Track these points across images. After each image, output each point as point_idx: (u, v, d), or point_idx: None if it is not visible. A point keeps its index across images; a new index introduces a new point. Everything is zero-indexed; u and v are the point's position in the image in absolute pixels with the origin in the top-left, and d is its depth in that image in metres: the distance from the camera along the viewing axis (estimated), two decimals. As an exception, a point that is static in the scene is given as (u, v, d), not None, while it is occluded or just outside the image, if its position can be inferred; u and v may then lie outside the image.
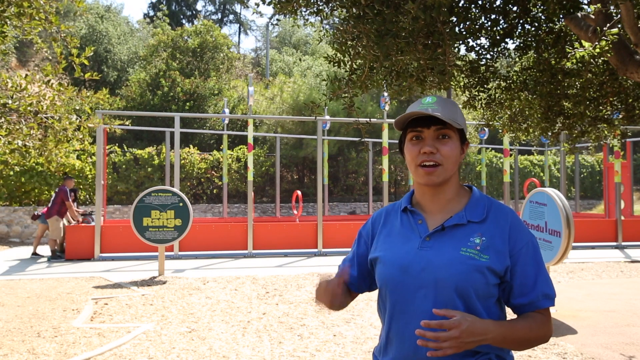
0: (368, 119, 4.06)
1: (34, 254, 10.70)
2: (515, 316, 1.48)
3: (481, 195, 1.53)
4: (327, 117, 12.97)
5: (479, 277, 1.40)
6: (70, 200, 10.38)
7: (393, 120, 12.03)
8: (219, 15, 46.02)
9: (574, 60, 2.63)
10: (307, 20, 3.62)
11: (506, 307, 1.51)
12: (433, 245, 1.45)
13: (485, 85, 4.04)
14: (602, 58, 3.54)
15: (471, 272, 1.39)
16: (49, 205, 10.35)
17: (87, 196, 15.51)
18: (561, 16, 3.51)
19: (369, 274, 1.62)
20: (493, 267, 1.41)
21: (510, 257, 1.44)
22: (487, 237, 1.44)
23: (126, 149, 17.06)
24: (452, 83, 3.87)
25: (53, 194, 10.45)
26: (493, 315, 1.44)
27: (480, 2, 3.61)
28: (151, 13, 38.54)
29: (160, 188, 8.42)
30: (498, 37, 3.70)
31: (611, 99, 4.07)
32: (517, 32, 3.82)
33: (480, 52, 3.73)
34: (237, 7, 46.32)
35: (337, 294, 1.54)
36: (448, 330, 1.29)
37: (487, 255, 1.42)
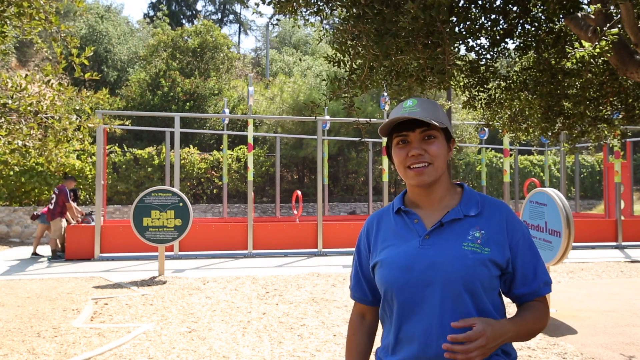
0: (368, 119, 4.06)
1: (34, 254, 10.70)
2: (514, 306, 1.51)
3: (473, 192, 1.56)
4: (327, 117, 12.97)
5: (483, 270, 1.42)
6: (70, 201, 10.40)
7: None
8: (219, 15, 46.03)
9: (574, 60, 2.63)
10: (307, 20, 3.62)
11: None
12: (434, 243, 1.46)
13: (485, 85, 4.03)
14: (602, 58, 3.53)
15: (476, 266, 1.41)
16: (51, 206, 10.34)
17: (87, 196, 15.51)
18: (561, 16, 3.51)
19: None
20: (495, 260, 1.43)
21: (510, 249, 1.47)
22: (485, 231, 1.46)
23: (126, 149, 17.06)
24: (452, 83, 3.87)
25: (53, 194, 10.46)
26: (497, 307, 1.46)
27: (480, 2, 3.61)
28: (151, 13, 38.55)
29: (160, 188, 8.42)
30: (498, 37, 3.70)
31: (611, 99, 4.07)
32: (517, 32, 3.82)
33: (480, 52, 3.73)
34: (237, 7, 46.36)
35: None
36: (474, 341, 1.31)
37: (488, 248, 1.44)
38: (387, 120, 1.52)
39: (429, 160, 1.48)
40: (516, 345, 4.50)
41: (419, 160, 1.48)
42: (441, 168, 1.50)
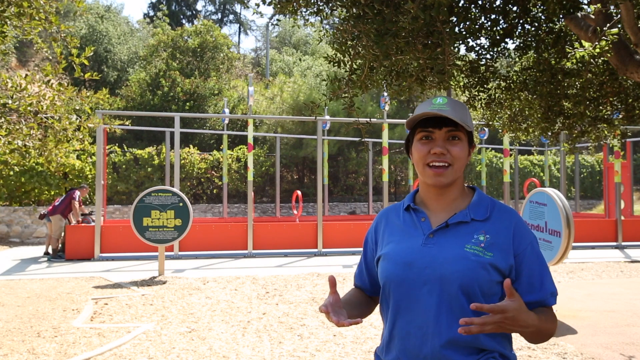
0: (368, 119, 4.05)
1: (46, 253, 10.72)
2: None
3: (484, 196, 1.55)
4: (327, 117, 12.97)
5: (483, 274, 1.41)
6: (77, 200, 10.49)
7: (393, 120, 12.03)
8: (219, 15, 46.03)
9: (574, 60, 2.63)
10: (307, 20, 3.62)
11: None
12: (437, 242, 1.46)
13: (485, 85, 4.03)
14: (602, 58, 3.53)
15: (476, 269, 1.40)
16: (56, 203, 10.41)
17: (87, 196, 15.51)
18: (561, 16, 3.50)
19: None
20: (497, 265, 1.42)
21: (515, 257, 1.45)
22: (491, 235, 1.45)
23: (126, 149, 17.06)
24: (452, 83, 3.87)
25: (63, 194, 10.60)
26: None
27: (480, 2, 3.61)
28: (151, 13, 38.54)
29: (160, 188, 8.42)
30: (498, 37, 3.69)
31: (611, 99, 4.07)
32: (517, 32, 3.81)
33: (480, 52, 3.73)
34: (237, 7, 46.34)
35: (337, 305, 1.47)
36: (494, 315, 1.27)
37: (491, 253, 1.43)
38: (416, 114, 1.51)
39: (450, 161, 1.47)
40: (516, 345, 4.50)
41: (441, 159, 1.47)
42: (460, 171, 1.50)
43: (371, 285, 1.67)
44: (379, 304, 1.60)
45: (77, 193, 10.56)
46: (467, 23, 3.40)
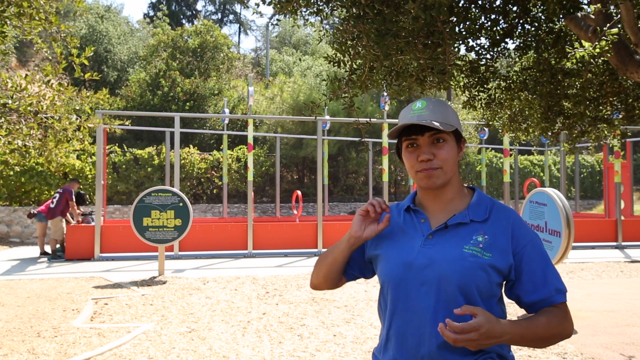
0: (368, 119, 4.05)
1: (43, 253, 10.70)
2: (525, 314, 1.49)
3: (484, 196, 1.55)
4: (327, 117, 12.97)
5: (482, 275, 1.40)
6: (74, 200, 10.47)
7: (393, 120, 12.04)
8: (219, 15, 46.04)
9: (574, 60, 2.63)
10: (307, 20, 3.62)
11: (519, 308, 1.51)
12: (436, 243, 1.46)
13: (485, 85, 4.03)
14: (602, 58, 3.53)
15: (474, 270, 1.40)
16: (52, 205, 10.36)
17: (87, 196, 15.51)
18: (561, 16, 3.50)
19: (359, 263, 1.62)
20: (496, 265, 1.42)
21: (514, 255, 1.44)
22: (489, 236, 1.45)
23: (126, 149, 17.06)
24: (452, 83, 3.87)
25: (55, 194, 10.52)
26: (495, 315, 1.44)
27: (480, 2, 3.61)
28: (151, 13, 38.56)
29: (160, 188, 8.42)
30: (498, 37, 3.69)
31: (611, 99, 4.07)
32: (517, 32, 3.81)
33: (480, 52, 3.73)
34: (237, 7, 46.36)
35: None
36: (466, 333, 1.27)
37: (489, 253, 1.42)
38: (396, 126, 1.51)
39: (439, 165, 1.48)
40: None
41: (429, 165, 1.48)
42: (451, 171, 1.50)
43: (348, 266, 1.63)
44: (377, 304, 1.59)
45: (71, 190, 10.52)
46: (467, 23, 3.40)
